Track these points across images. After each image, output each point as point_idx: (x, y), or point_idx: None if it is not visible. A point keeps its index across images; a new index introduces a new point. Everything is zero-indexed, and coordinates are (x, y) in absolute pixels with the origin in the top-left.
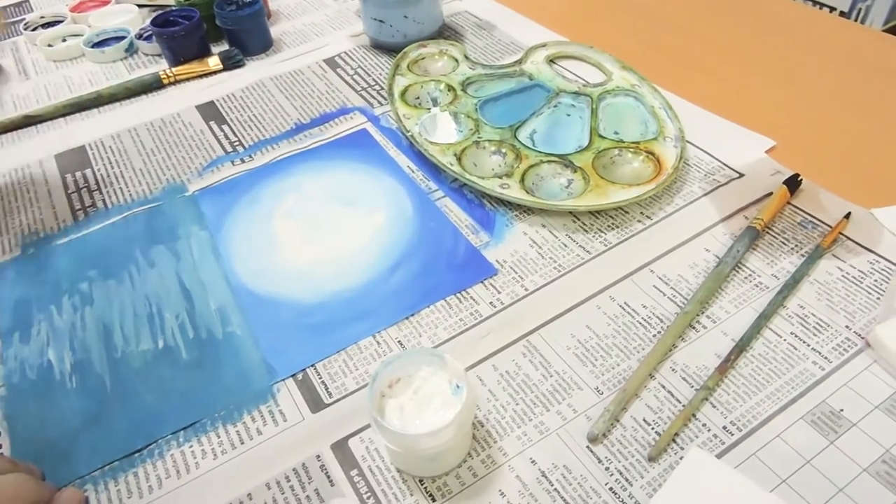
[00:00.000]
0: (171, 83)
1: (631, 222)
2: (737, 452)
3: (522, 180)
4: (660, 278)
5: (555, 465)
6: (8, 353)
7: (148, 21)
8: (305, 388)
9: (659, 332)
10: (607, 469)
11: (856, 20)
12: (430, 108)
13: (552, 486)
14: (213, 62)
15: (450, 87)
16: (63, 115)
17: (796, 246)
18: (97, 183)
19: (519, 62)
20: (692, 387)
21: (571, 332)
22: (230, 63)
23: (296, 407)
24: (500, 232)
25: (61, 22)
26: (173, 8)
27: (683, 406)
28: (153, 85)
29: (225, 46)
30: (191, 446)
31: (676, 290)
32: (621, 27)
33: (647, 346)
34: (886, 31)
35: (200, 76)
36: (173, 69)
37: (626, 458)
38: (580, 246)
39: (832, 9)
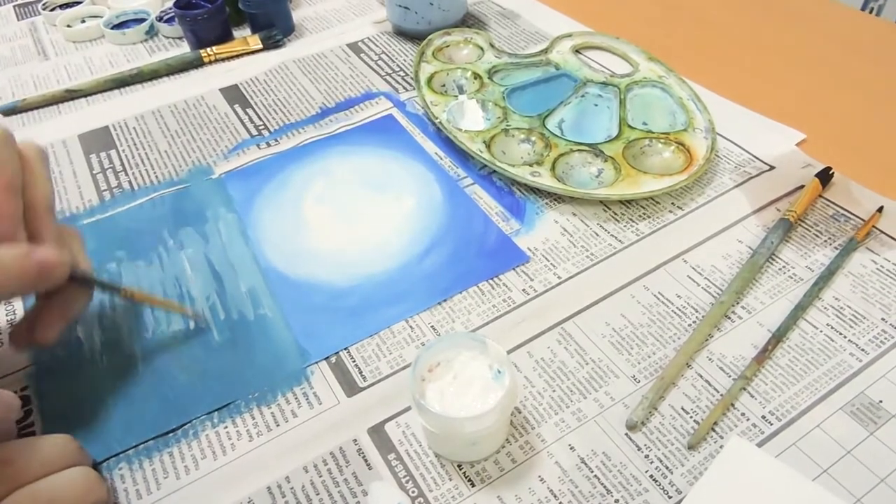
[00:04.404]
0: (211, 62)
1: (662, 212)
2: (776, 442)
3: (553, 169)
4: (693, 268)
5: (594, 452)
6: None
7: (168, 3)
8: (339, 371)
9: (694, 322)
10: (647, 457)
11: None
12: (456, 96)
13: (592, 472)
14: (253, 42)
15: (476, 75)
16: (104, 91)
17: (829, 238)
18: (122, 164)
19: (545, 51)
20: (729, 376)
21: (606, 320)
22: (270, 43)
23: (330, 390)
24: (531, 220)
25: (80, 2)
26: None
27: (721, 395)
28: (194, 63)
29: (246, 31)
30: (225, 427)
31: (710, 280)
32: (645, 18)
33: (683, 335)
34: None
35: (240, 55)
36: (214, 48)
37: (666, 445)
38: (612, 235)
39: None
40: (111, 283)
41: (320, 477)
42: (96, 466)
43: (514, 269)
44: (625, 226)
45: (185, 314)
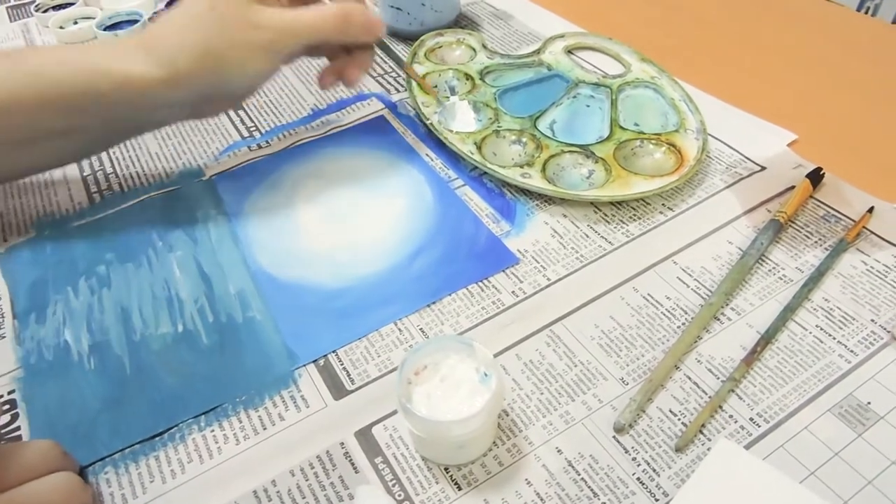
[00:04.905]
0: None
1: (653, 213)
2: (764, 444)
3: (543, 170)
4: (683, 270)
5: (581, 455)
6: (24, 334)
7: (161, 4)
8: (327, 374)
9: (683, 324)
10: (634, 459)
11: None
12: (448, 97)
13: (579, 475)
14: None
15: (468, 76)
16: None
17: (819, 239)
18: (112, 166)
19: (537, 52)
20: (718, 378)
21: (595, 322)
22: None
23: (318, 393)
24: (521, 221)
25: (73, 4)
26: None
27: (710, 397)
28: None
29: None
30: (212, 431)
31: (700, 281)
32: (639, 18)
33: (672, 337)
34: None
35: None
36: None
37: (653, 448)
38: (602, 237)
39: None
40: (398, 55)
41: (307, 480)
42: (82, 471)
43: (503, 270)
44: (615, 227)
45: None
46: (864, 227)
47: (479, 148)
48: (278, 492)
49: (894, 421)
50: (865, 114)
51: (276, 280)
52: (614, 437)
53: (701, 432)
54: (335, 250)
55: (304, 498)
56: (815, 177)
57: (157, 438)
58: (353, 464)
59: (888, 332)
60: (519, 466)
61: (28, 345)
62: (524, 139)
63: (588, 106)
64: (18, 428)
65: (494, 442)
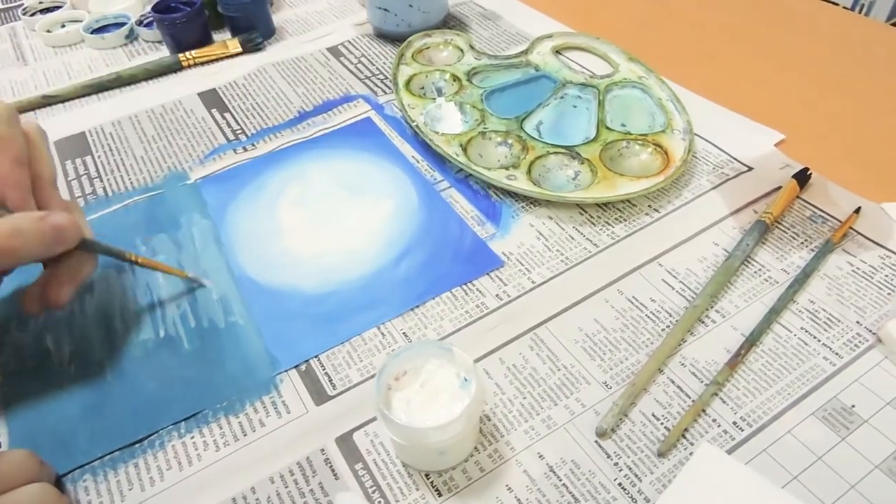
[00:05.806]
0: (190, 66)
1: (638, 215)
2: (747, 448)
3: (529, 172)
4: (668, 272)
5: (563, 460)
6: (5, 340)
7: (148, 7)
8: (309, 379)
9: (668, 326)
10: (616, 464)
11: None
12: (434, 98)
13: (560, 480)
14: (233, 45)
15: (455, 78)
16: (82, 96)
17: (806, 240)
18: (97, 170)
19: (525, 53)
20: (701, 381)
21: (579, 325)
22: (250, 46)
23: (299, 399)
24: (507, 224)
25: (60, 7)
26: None
27: (693, 401)
28: (173, 67)
29: (226, 34)
30: (192, 437)
31: (685, 283)
32: (628, 18)
33: (656, 340)
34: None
35: (219, 59)
36: (193, 52)
37: (635, 453)
38: (587, 238)
39: (834, 4)
40: (117, 249)
41: (286, 487)
42: (59, 480)
43: (488, 273)
44: (600, 229)
45: (187, 278)
46: (850, 227)
47: (464, 149)
48: (257, 499)
49: (878, 424)
50: (854, 114)
51: (259, 285)
52: (596, 441)
53: (684, 437)
54: (319, 254)
55: None
56: (802, 177)
57: (136, 445)
58: (333, 470)
59: (873, 333)
60: (500, 472)
61: (9, 351)
62: (510, 140)
63: (575, 107)
64: None
65: (476, 447)
